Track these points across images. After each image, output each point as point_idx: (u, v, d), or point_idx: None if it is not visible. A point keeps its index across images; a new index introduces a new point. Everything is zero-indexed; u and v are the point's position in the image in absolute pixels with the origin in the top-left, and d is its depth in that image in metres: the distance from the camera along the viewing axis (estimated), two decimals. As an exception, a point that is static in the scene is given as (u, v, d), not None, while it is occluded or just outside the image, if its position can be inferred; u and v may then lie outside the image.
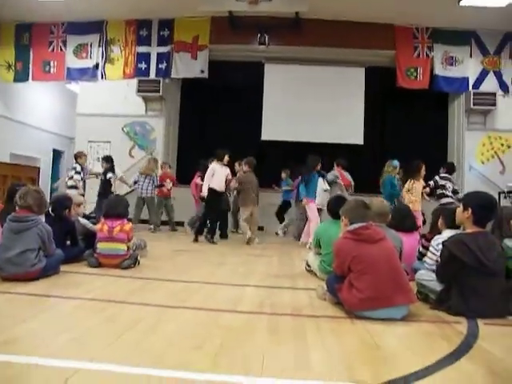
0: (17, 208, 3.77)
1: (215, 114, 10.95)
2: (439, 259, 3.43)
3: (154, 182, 8.72)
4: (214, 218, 7.35)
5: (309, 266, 4.58)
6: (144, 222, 8.78)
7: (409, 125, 10.38)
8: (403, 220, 4.35)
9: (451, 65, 9.17)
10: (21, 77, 9.95)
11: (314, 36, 9.20)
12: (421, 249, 4.13)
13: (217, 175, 7.18)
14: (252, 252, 6.35)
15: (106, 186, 8.14)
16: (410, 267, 3.86)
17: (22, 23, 9.85)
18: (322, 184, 7.74)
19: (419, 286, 3.40)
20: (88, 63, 9.73)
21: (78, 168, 8.01)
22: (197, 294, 3.42)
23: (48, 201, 4.55)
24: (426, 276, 3.34)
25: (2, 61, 9.99)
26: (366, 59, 9.96)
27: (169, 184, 8.84)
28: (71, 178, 7.98)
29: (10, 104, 10.72)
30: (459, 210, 3.21)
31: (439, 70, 9.17)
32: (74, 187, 7.82)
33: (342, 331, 2.62)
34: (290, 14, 8.80)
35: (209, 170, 7.21)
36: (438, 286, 3.16)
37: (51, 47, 9.80)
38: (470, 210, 3.07)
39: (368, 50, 9.40)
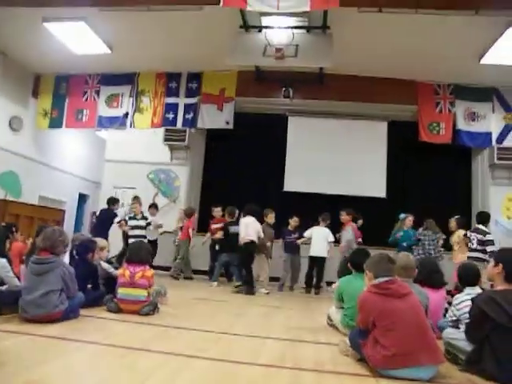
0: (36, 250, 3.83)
1: (239, 164, 11.12)
2: (460, 319, 3.33)
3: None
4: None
5: (330, 319, 4.47)
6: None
7: (432, 179, 10.34)
8: (430, 275, 4.23)
9: (473, 120, 9.21)
10: (55, 124, 10.40)
11: (337, 90, 9.42)
12: (446, 305, 4.01)
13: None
14: (272, 304, 6.23)
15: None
16: (435, 325, 3.72)
17: (61, 75, 10.42)
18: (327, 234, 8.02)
19: (447, 345, 3.26)
20: (118, 112, 10.11)
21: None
22: (216, 345, 3.35)
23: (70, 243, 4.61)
24: (455, 335, 3.22)
25: (40, 109, 10.51)
26: (388, 113, 10.11)
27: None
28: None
29: (41, 148, 11.13)
30: (490, 265, 3.14)
31: (462, 125, 9.21)
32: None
33: (367, 390, 2.52)
34: (315, 70, 9.08)
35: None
36: (467, 346, 3.03)
37: (85, 97, 10.27)
38: (500, 266, 3.00)
39: (390, 104, 9.57)
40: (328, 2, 6.03)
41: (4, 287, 3.71)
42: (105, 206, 9.12)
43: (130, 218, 8.28)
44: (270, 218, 7.98)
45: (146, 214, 8.62)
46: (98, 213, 8.69)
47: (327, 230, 8.12)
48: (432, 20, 6.87)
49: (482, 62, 8.01)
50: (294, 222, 8.40)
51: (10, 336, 3.05)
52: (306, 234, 8.15)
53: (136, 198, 8.74)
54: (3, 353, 2.62)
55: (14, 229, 5.38)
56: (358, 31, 7.68)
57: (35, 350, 2.80)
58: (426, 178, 10.41)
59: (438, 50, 7.90)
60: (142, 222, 8.21)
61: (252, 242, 7.24)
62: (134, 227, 8.15)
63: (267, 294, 7.26)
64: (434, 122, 9.22)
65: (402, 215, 8.25)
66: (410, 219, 8.14)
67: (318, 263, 8.08)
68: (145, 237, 7.94)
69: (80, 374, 2.36)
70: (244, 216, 7.54)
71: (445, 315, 3.90)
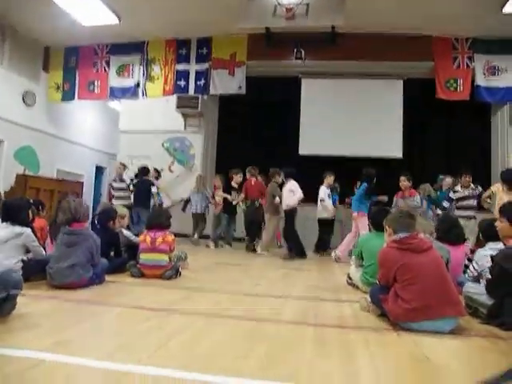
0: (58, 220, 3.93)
1: (253, 129, 11.06)
2: (482, 274, 3.33)
3: (207, 198, 8.96)
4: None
5: (350, 278, 4.51)
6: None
7: (450, 136, 10.16)
8: (449, 231, 4.20)
9: (494, 74, 8.88)
10: (67, 96, 10.41)
11: (350, 50, 9.15)
12: (466, 262, 4.01)
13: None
14: (292, 266, 6.31)
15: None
16: (455, 280, 3.73)
17: (69, 47, 10.34)
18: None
19: (467, 299, 3.27)
20: (130, 82, 10.04)
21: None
22: (239, 305, 3.42)
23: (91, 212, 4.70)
24: (476, 289, 3.23)
25: (52, 83, 10.50)
26: (403, 71, 9.82)
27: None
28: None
29: (56, 123, 11.19)
30: (497, 222, 3.12)
31: (481, 81, 8.90)
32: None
33: (389, 343, 2.55)
34: (326, 29, 8.81)
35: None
36: (488, 300, 3.04)
37: (95, 68, 10.21)
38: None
39: (405, 62, 9.28)
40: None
41: (30, 256, 3.81)
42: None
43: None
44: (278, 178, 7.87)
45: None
46: (131, 186, 8.75)
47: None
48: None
49: (505, 10, 7.66)
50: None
51: (39, 300, 3.16)
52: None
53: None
54: (35, 315, 2.73)
55: (40, 206, 5.56)
56: (371, -15, 7.40)
57: (64, 313, 2.90)
58: (444, 137, 10.22)
59: (457, 1, 7.58)
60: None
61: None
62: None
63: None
64: (452, 78, 8.92)
65: (441, 176, 8.15)
66: (447, 180, 7.99)
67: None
68: None
69: (107, 334, 2.44)
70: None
71: (465, 272, 3.89)
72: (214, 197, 8.84)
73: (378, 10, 8.06)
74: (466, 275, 3.68)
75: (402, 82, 10.05)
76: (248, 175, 8.33)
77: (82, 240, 3.76)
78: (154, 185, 8.86)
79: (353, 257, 4.62)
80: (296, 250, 7.28)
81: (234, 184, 8.60)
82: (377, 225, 4.05)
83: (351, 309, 3.39)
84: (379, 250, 3.17)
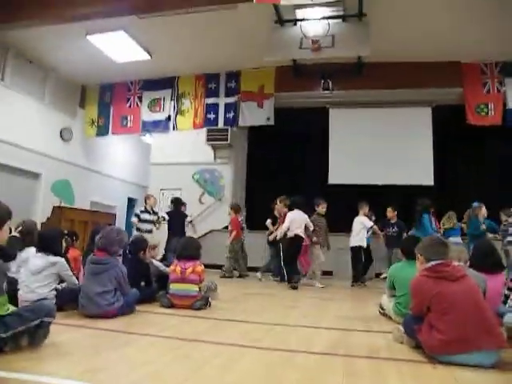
0: (95, 249, 4.01)
1: (282, 160, 11.13)
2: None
3: None
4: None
5: (383, 308, 4.38)
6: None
7: (481, 162, 9.92)
8: (485, 258, 4.02)
9: (525, 97, 8.73)
10: (102, 131, 10.82)
11: (377, 79, 9.20)
12: (506, 291, 3.82)
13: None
14: (323, 296, 6.20)
15: None
16: (495, 311, 3.56)
17: (104, 84, 10.83)
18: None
19: (509, 331, 3.11)
20: (161, 116, 10.36)
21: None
22: (269, 335, 3.37)
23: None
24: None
25: (88, 118, 10.98)
26: (432, 98, 9.75)
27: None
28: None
29: (91, 156, 11.60)
30: None
31: (513, 104, 8.76)
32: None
33: (425, 377, 2.44)
34: (353, 59, 8.92)
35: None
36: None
37: (128, 103, 10.61)
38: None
39: (434, 89, 9.23)
40: (363, -13, 5.92)
41: (63, 285, 3.89)
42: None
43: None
44: (322, 207, 7.76)
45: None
46: (166, 216, 8.82)
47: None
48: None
49: (532, 34, 7.58)
50: (390, 213, 8.25)
51: (71, 329, 3.20)
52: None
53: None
54: (66, 344, 2.76)
55: (74, 237, 5.75)
56: (396, 15, 7.47)
57: (95, 342, 2.93)
58: (477, 163, 9.99)
59: (482, 26, 7.54)
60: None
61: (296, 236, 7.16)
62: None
63: (322, 288, 7.14)
64: (482, 103, 8.80)
65: (476, 204, 7.81)
66: (484, 210, 7.68)
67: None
68: None
69: (136, 363, 2.44)
70: (289, 209, 7.50)
71: (504, 302, 3.70)
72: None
73: (403, 38, 8.14)
74: (507, 305, 3.51)
75: (430, 108, 9.97)
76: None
77: (108, 268, 3.81)
78: (187, 216, 8.96)
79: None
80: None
81: (276, 213, 8.32)
82: (408, 253, 3.95)
83: (384, 339, 3.28)
84: (411, 279, 3.08)
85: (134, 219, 8.25)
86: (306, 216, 7.34)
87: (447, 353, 2.61)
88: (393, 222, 8.39)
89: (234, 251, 8.68)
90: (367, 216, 8.07)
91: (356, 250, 7.80)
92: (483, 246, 4.29)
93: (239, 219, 8.92)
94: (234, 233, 8.59)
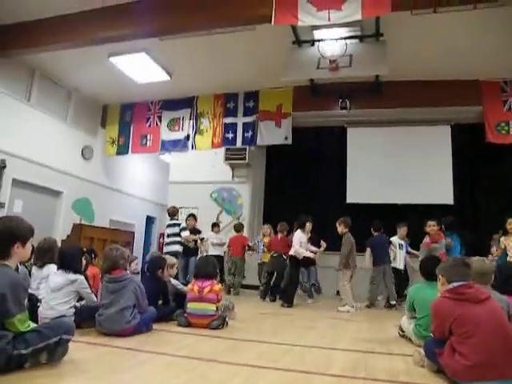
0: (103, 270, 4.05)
1: (300, 179, 11.13)
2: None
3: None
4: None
5: (402, 330, 4.29)
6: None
7: (502, 181, 9.75)
8: (507, 281, 3.92)
9: (547, 114, 8.60)
10: (122, 150, 11.00)
11: (395, 97, 9.19)
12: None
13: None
14: (341, 316, 6.11)
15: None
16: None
17: (125, 104, 11.06)
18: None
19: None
20: (180, 135, 10.50)
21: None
22: (286, 356, 3.32)
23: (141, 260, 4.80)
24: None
25: (108, 137, 11.19)
26: (451, 117, 9.69)
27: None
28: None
29: (111, 175, 11.80)
30: None
31: (534, 122, 8.63)
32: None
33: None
34: (370, 78, 8.95)
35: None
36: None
37: (148, 122, 10.79)
38: None
39: (452, 107, 9.17)
40: (379, 8, 5.93)
41: (82, 302, 3.92)
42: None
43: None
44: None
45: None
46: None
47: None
48: (492, 14, 6.56)
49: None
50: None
51: (89, 347, 3.22)
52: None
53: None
54: (84, 361, 2.78)
55: (93, 254, 5.82)
56: (413, 35, 7.49)
57: (112, 360, 2.93)
58: (497, 182, 9.82)
59: (501, 44, 7.51)
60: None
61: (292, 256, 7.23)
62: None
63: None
64: (502, 121, 8.67)
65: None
66: None
67: None
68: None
69: (153, 382, 2.43)
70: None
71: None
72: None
73: (421, 57, 8.15)
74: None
75: (449, 127, 9.89)
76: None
77: (126, 284, 3.83)
78: (200, 232, 9.04)
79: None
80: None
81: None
82: (428, 274, 3.88)
83: (404, 363, 3.20)
84: (432, 300, 3.01)
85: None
86: None
87: (472, 379, 2.50)
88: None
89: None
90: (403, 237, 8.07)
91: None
92: (507, 268, 4.19)
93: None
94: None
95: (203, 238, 8.99)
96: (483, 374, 2.47)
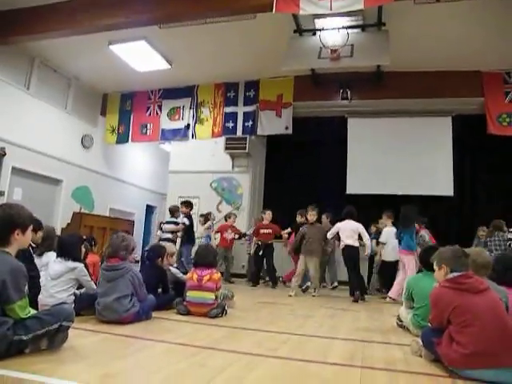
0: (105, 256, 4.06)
1: (300, 169, 11.13)
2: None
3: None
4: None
5: (400, 320, 4.31)
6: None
7: (502, 173, 9.75)
8: (506, 272, 3.93)
9: (550, 107, 8.57)
10: (122, 139, 10.99)
11: (396, 88, 9.16)
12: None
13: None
14: (338, 306, 6.14)
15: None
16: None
17: (126, 92, 11.03)
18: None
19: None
20: (180, 124, 10.48)
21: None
22: (284, 344, 3.35)
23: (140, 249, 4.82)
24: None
25: (108, 126, 11.18)
26: (452, 108, 9.63)
27: (229, 234, 9.11)
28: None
29: (110, 164, 11.79)
30: None
31: (536, 114, 8.60)
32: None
33: (445, 391, 2.40)
34: (372, 68, 8.91)
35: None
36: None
37: (148, 111, 10.77)
38: None
39: (454, 98, 9.14)
40: (382, -3, 5.92)
41: (82, 290, 3.94)
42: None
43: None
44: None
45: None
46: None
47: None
48: (496, 4, 6.52)
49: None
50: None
51: (89, 334, 3.24)
52: (383, 239, 7.69)
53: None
54: (84, 348, 2.80)
55: (92, 242, 5.84)
56: (415, 25, 7.45)
57: (111, 347, 2.95)
58: (498, 173, 9.82)
59: (505, 35, 7.46)
60: None
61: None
62: None
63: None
64: (504, 113, 8.65)
65: None
66: None
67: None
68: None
69: (152, 369, 2.45)
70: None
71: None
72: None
73: (423, 47, 8.12)
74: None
75: (450, 118, 9.84)
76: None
77: (122, 273, 3.84)
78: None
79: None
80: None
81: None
82: (426, 263, 3.89)
83: (401, 352, 3.22)
84: (430, 290, 3.03)
85: None
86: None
87: (468, 367, 2.52)
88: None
89: None
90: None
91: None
92: (504, 259, 4.20)
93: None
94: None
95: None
96: (480, 363, 2.49)
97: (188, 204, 8.97)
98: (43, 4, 7.45)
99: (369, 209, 8.79)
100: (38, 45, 8.62)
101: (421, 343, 3.06)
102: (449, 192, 9.66)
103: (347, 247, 7.07)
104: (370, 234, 7.85)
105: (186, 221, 8.62)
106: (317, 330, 4.13)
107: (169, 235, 8.44)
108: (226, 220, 9.44)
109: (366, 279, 8.10)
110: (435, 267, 3.12)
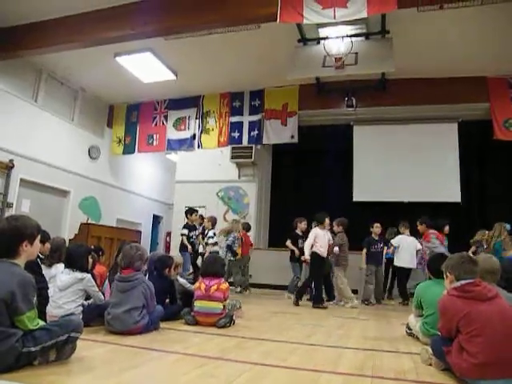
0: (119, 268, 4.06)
1: (306, 177, 11.13)
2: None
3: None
4: (319, 284, 7.08)
5: (409, 329, 4.27)
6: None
7: (509, 178, 9.68)
8: None
9: (555, 112, 8.52)
10: (128, 150, 11.06)
11: (401, 95, 9.16)
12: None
13: (319, 240, 6.99)
14: (347, 315, 6.09)
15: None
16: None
17: (132, 103, 11.11)
18: (415, 243, 7.63)
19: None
20: (186, 134, 10.53)
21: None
22: (294, 354, 3.32)
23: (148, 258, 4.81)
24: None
25: (115, 137, 11.26)
26: (458, 114, 9.60)
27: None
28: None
29: (117, 174, 11.85)
30: None
31: (543, 119, 8.55)
32: None
33: (456, 400, 2.36)
34: (376, 76, 8.92)
35: (311, 235, 7.08)
36: None
37: (154, 122, 10.84)
38: None
39: (459, 104, 9.12)
40: (385, 5, 5.90)
41: (90, 301, 3.94)
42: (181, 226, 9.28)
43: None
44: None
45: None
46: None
47: (414, 239, 7.83)
48: (500, 11, 6.51)
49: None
50: (377, 228, 7.87)
51: (97, 345, 3.24)
52: (395, 241, 7.83)
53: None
54: (92, 359, 2.79)
55: (100, 252, 5.86)
56: (419, 32, 7.47)
57: (120, 358, 2.94)
58: (505, 179, 9.75)
59: (508, 41, 7.45)
60: None
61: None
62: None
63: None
64: (510, 118, 8.62)
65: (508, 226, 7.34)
66: None
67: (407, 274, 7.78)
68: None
69: (160, 380, 2.45)
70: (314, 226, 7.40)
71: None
72: None
73: (427, 54, 8.13)
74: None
75: (456, 124, 9.80)
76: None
77: (136, 285, 3.84)
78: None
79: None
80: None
81: (299, 232, 8.14)
82: (435, 272, 3.86)
83: (411, 361, 3.18)
84: (439, 298, 2.99)
85: None
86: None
87: (480, 377, 2.47)
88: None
89: None
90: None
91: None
92: (510, 266, 4.15)
93: None
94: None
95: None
96: (491, 373, 2.44)
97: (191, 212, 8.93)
98: (54, 18, 7.54)
99: (377, 216, 8.71)
100: (46, 58, 8.72)
101: (431, 352, 3.02)
102: (456, 198, 9.60)
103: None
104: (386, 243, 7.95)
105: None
106: (326, 339, 4.10)
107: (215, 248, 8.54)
108: (247, 231, 9.18)
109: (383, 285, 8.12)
110: (444, 275, 3.09)
